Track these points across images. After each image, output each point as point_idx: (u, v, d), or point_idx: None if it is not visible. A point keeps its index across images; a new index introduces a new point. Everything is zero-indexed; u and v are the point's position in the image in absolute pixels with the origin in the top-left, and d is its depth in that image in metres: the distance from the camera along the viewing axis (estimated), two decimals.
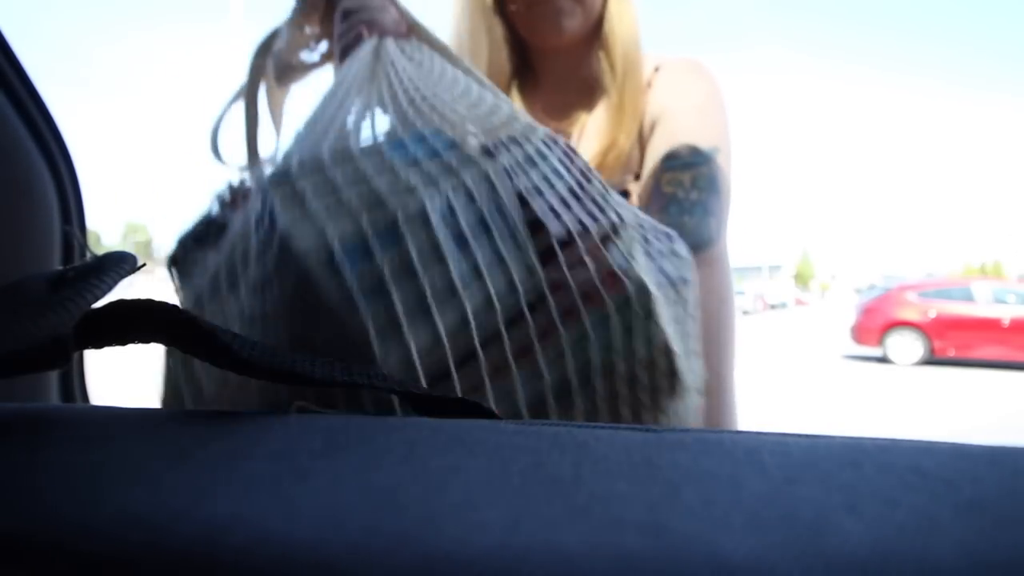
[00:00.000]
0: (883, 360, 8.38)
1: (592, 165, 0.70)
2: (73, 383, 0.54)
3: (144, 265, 0.27)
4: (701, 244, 0.65)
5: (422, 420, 0.23)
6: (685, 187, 0.66)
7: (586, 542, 0.13)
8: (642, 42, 0.70)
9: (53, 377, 0.52)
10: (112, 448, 0.20)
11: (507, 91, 0.73)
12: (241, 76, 0.52)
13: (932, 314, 8.13)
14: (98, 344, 0.25)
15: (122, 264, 0.25)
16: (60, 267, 0.52)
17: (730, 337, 0.63)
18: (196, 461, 0.18)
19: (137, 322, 0.24)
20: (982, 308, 7.94)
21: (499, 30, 0.69)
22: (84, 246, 0.53)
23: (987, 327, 7.81)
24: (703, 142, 0.67)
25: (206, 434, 0.21)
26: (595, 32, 0.70)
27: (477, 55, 0.69)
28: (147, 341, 0.25)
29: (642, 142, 0.72)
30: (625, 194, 0.73)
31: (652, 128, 0.71)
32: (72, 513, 0.16)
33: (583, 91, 0.74)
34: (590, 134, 0.73)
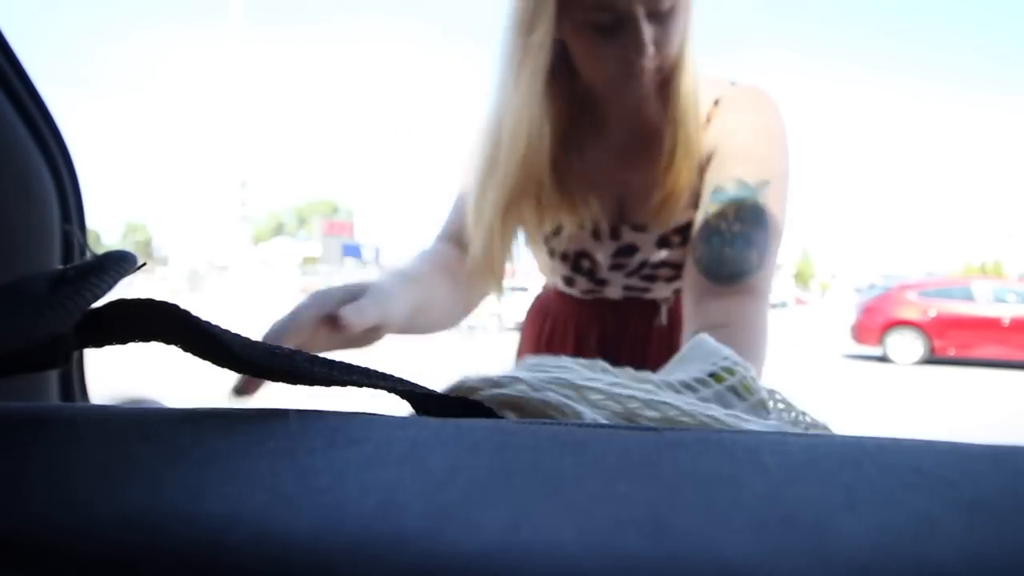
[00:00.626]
0: (883, 359, 8.38)
1: (655, 209, 0.74)
2: (73, 382, 0.54)
3: (144, 264, 0.27)
4: (738, 274, 0.66)
5: (423, 419, 0.23)
6: (728, 219, 0.67)
7: (586, 542, 0.13)
8: (699, 82, 0.71)
9: (53, 376, 0.52)
10: (111, 447, 0.20)
11: (564, 143, 0.74)
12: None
13: (932, 313, 8.14)
14: (98, 343, 0.25)
15: (122, 263, 0.25)
16: (60, 266, 0.52)
17: (759, 371, 0.64)
18: (195, 460, 0.18)
19: (137, 321, 0.24)
20: (982, 307, 7.95)
21: (553, 87, 0.69)
22: (84, 245, 0.53)
23: (987, 326, 7.82)
24: (752, 175, 0.68)
25: (205, 433, 0.21)
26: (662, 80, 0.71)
27: (525, 114, 0.68)
28: (147, 340, 0.25)
29: (701, 175, 0.73)
30: (688, 226, 0.75)
31: (708, 161, 0.73)
32: (71, 512, 0.16)
33: (643, 137, 0.75)
34: (650, 180, 0.74)
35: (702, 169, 0.73)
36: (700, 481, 0.16)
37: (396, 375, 0.27)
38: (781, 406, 0.37)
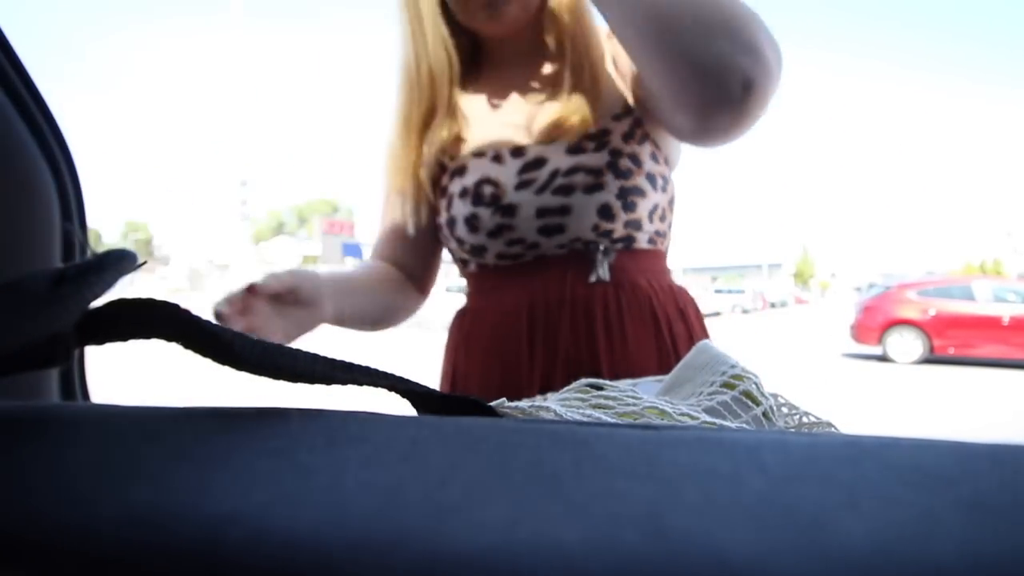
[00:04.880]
0: (883, 358, 8.39)
1: (557, 124, 0.73)
2: (74, 381, 0.55)
3: (144, 263, 0.27)
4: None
5: (423, 418, 0.23)
6: None
7: (586, 539, 0.13)
8: (589, 9, 0.76)
9: (54, 375, 0.52)
10: (112, 446, 0.20)
11: (464, 78, 0.81)
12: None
13: (932, 312, 8.14)
14: (99, 341, 0.25)
15: (123, 262, 0.25)
16: (60, 265, 0.52)
17: None
18: (196, 458, 0.18)
19: (138, 319, 0.24)
20: (982, 306, 7.95)
21: (442, 28, 0.76)
22: (84, 244, 0.53)
23: (987, 325, 7.82)
24: None
25: (206, 431, 0.21)
26: (541, 10, 0.77)
27: (422, 54, 0.76)
28: (148, 338, 0.25)
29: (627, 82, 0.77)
30: (604, 133, 0.73)
31: (617, 66, 0.78)
32: (73, 511, 0.16)
33: (537, 68, 0.79)
34: (551, 103, 0.76)
35: (620, 75, 0.77)
36: (700, 479, 0.16)
37: (396, 374, 0.27)
38: (785, 411, 0.37)
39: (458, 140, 0.78)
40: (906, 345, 8.29)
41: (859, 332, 8.70)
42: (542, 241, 0.72)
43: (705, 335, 0.78)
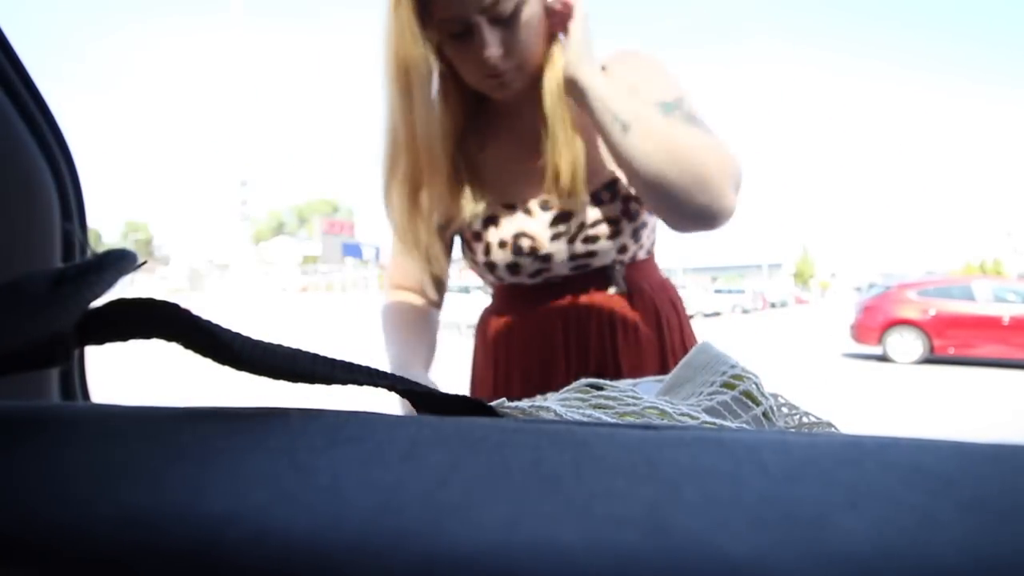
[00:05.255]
0: (883, 358, 8.39)
1: (570, 179, 0.80)
2: (74, 381, 0.54)
3: (144, 263, 0.27)
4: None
5: (423, 417, 0.23)
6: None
7: (586, 540, 0.13)
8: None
9: (54, 375, 0.52)
10: (112, 446, 0.20)
11: (468, 138, 0.86)
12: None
13: (932, 312, 8.14)
14: (99, 341, 0.25)
15: (122, 262, 0.25)
16: (60, 265, 0.52)
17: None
18: (196, 458, 0.18)
19: (138, 319, 0.24)
20: (982, 306, 7.94)
21: (431, 108, 0.79)
22: (84, 244, 0.53)
23: (987, 325, 7.82)
24: (667, 95, 0.78)
25: (206, 431, 0.21)
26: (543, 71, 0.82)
27: (419, 129, 0.79)
28: (148, 338, 0.25)
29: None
30: (615, 182, 0.83)
31: None
32: (71, 511, 0.16)
33: (541, 123, 0.84)
34: (563, 162, 0.83)
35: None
36: (700, 479, 0.16)
37: (396, 374, 0.27)
38: (786, 410, 0.37)
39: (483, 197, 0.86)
40: (906, 345, 8.28)
41: (859, 332, 8.70)
42: (572, 274, 0.87)
43: (687, 320, 0.92)
